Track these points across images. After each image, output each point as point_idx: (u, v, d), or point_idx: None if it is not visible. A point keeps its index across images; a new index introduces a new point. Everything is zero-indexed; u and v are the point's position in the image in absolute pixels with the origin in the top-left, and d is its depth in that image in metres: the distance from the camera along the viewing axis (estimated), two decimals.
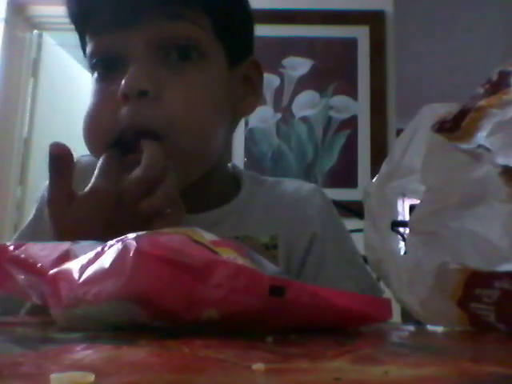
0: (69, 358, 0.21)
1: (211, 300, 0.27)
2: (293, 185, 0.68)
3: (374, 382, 0.17)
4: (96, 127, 0.52)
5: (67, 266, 0.31)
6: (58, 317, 0.31)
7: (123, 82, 0.49)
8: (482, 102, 0.36)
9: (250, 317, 0.28)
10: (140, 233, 0.30)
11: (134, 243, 0.27)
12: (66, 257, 0.34)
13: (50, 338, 0.27)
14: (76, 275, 0.29)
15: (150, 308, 0.27)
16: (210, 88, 0.53)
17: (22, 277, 0.35)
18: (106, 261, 0.28)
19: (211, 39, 0.54)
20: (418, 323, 0.41)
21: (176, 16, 0.51)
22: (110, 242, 0.30)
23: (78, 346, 0.23)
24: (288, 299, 0.28)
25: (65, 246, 0.36)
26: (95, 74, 0.55)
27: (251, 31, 0.63)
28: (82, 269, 0.29)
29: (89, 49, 0.54)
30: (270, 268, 0.32)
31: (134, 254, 0.27)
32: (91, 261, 0.29)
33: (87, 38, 0.54)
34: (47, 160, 0.47)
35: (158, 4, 0.51)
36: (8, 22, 2.42)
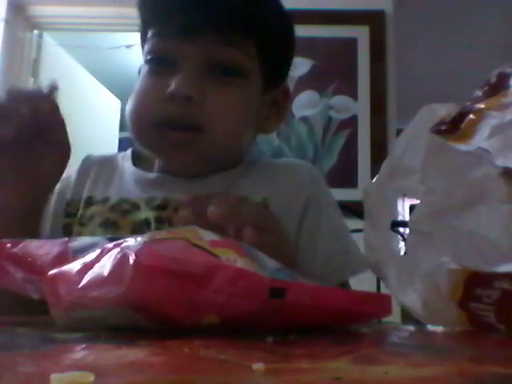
0: (69, 358, 0.21)
1: (211, 305, 0.27)
2: (286, 159, 0.78)
3: (374, 382, 0.17)
4: (143, 115, 0.61)
5: (67, 267, 0.31)
6: (57, 317, 0.31)
7: (173, 84, 0.58)
8: (481, 104, 0.36)
9: (250, 320, 0.28)
10: (139, 239, 0.30)
11: (132, 254, 0.27)
12: (64, 255, 0.34)
13: (50, 338, 0.27)
14: (75, 278, 0.29)
15: (150, 315, 0.27)
16: (244, 103, 0.62)
17: (21, 274, 0.35)
18: (104, 267, 0.28)
19: (254, 66, 0.63)
20: (418, 323, 0.41)
21: (229, 43, 0.60)
22: (109, 246, 0.30)
23: (78, 345, 0.23)
24: (288, 300, 0.28)
25: (63, 243, 0.36)
26: (146, 67, 0.63)
27: (290, 64, 0.72)
28: (82, 272, 0.29)
29: (149, 46, 0.62)
30: (270, 264, 0.32)
31: (132, 266, 0.26)
32: (90, 265, 0.29)
33: (150, 36, 0.62)
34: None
35: (218, 28, 0.59)
36: (8, 22, 2.42)
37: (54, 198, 0.68)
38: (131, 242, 0.30)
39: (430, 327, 0.39)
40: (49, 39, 2.66)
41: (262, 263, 0.31)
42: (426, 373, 0.19)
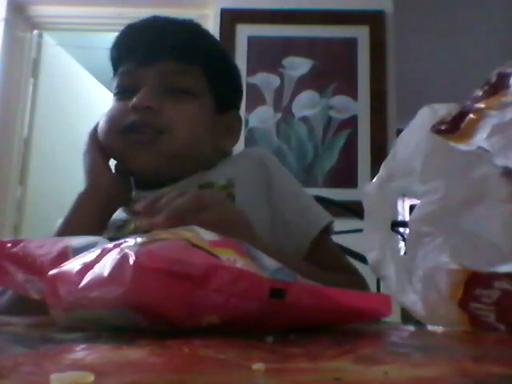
0: (69, 358, 0.21)
1: (211, 306, 0.27)
2: (246, 149, 0.90)
3: (374, 382, 0.17)
4: (110, 126, 0.71)
5: (67, 267, 0.31)
6: (57, 317, 0.31)
7: (135, 98, 0.69)
8: (481, 104, 0.36)
9: (250, 320, 0.28)
10: (139, 240, 0.30)
11: (132, 255, 0.27)
12: (64, 255, 0.34)
13: (50, 338, 0.27)
14: (75, 278, 0.29)
15: (150, 316, 0.27)
16: (196, 113, 0.73)
17: (21, 274, 0.35)
18: (104, 268, 0.28)
19: (204, 89, 0.75)
20: (418, 323, 0.41)
21: (182, 71, 0.73)
22: (109, 246, 0.30)
23: (78, 345, 0.23)
24: (289, 301, 0.27)
25: (63, 243, 0.36)
26: (115, 97, 0.74)
27: (237, 92, 0.83)
28: (82, 272, 0.29)
29: (116, 81, 0.75)
30: (269, 264, 0.32)
31: (132, 267, 0.26)
32: (90, 265, 0.29)
33: (117, 74, 0.75)
34: None
35: (172, 59, 0.72)
36: (8, 22, 2.42)
37: None
38: (131, 242, 0.30)
39: (430, 327, 0.39)
40: (49, 39, 2.66)
41: (262, 263, 0.31)
42: (426, 373, 0.19)
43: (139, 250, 0.28)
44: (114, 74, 0.77)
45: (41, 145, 2.58)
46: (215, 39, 0.84)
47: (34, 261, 0.35)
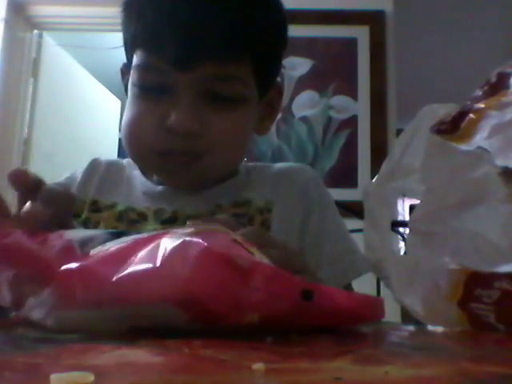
0: (69, 358, 0.21)
1: (253, 303, 0.26)
2: (286, 164, 0.76)
3: (374, 382, 0.17)
4: (142, 141, 0.59)
5: (88, 261, 0.29)
6: (66, 318, 0.29)
7: (173, 119, 0.56)
8: (481, 104, 0.36)
9: (284, 321, 0.27)
10: (182, 231, 0.29)
11: (199, 242, 0.26)
12: (69, 248, 0.32)
13: (50, 338, 0.27)
14: (106, 273, 0.27)
15: (195, 311, 0.26)
16: (244, 125, 0.62)
17: (7, 270, 0.32)
18: (152, 259, 0.26)
19: (252, 88, 0.61)
20: (418, 323, 0.41)
21: (228, 76, 0.57)
22: (142, 236, 0.29)
23: (78, 345, 0.23)
24: (316, 302, 0.27)
25: (62, 236, 0.34)
26: (137, 90, 0.59)
27: (280, 63, 0.67)
28: (114, 266, 0.27)
29: (138, 76, 0.59)
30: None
31: (198, 254, 0.26)
32: (123, 258, 0.28)
33: (139, 59, 0.58)
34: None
35: (214, 61, 0.56)
36: (8, 22, 2.42)
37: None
38: (179, 232, 0.28)
39: (430, 327, 0.39)
40: (49, 39, 2.66)
41: None
42: (426, 373, 0.19)
43: (201, 238, 0.27)
44: (129, 45, 0.60)
45: (41, 145, 2.58)
46: (273, 7, 0.62)
47: (33, 254, 0.32)
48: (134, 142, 0.60)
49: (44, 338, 0.27)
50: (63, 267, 0.29)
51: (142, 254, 0.28)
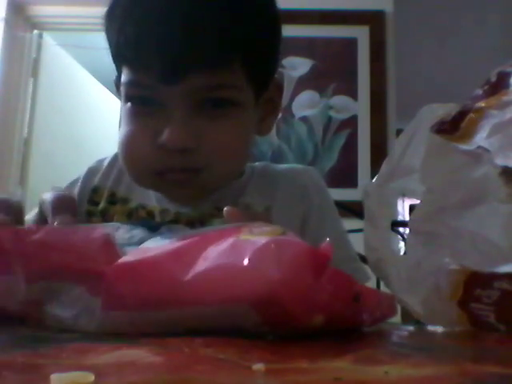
0: (69, 358, 0.21)
1: (319, 304, 0.25)
2: (287, 166, 0.74)
3: (374, 382, 0.17)
4: (136, 161, 0.57)
5: (146, 258, 0.27)
6: (107, 320, 0.27)
7: (166, 135, 0.53)
8: (481, 103, 0.36)
9: (338, 323, 0.27)
10: (260, 229, 0.28)
11: (293, 241, 0.26)
12: (109, 243, 0.30)
13: (49, 338, 0.27)
14: (172, 272, 0.26)
15: (272, 311, 0.25)
16: (243, 131, 0.59)
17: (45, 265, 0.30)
18: (231, 257, 0.25)
19: (246, 93, 0.58)
20: (418, 323, 0.41)
21: (219, 85, 0.55)
22: (211, 233, 0.28)
23: (78, 345, 0.23)
24: (361, 304, 0.27)
25: (97, 230, 0.32)
26: (129, 105, 0.57)
27: (278, 62, 0.65)
28: (180, 265, 0.26)
29: (126, 90, 0.57)
30: None
31: (296, 252, 0.25)
32: (187, 256, 0.26)
33: (126, 76, 0.56)
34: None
35: (203, 70, 0.53)
36: (8, 22, 2.42)
37: (78, 186, 0.69)
38: (251, 231, 0.27)
39: (430, 327, 0.39)
40: (49, 39, 2.66)
41: None
42: (426, 373, 0.19)
43: (287, 237, 0.26)
44: (118, 67, 0.59)
45: (41, 145, 2.58)
46: (259, 6, 0.58)
47: (67, 250, 0.30)
48: (130, 163, 0.58)
49: (44, 338, 0.27)
50: (114, 264, 0.27)
51: (215, 251, 0.26)
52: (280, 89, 0.67)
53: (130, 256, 0.28)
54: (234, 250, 0.26)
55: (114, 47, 0.57)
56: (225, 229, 0.29)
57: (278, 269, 0.24)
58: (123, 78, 0.57)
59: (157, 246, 0.29)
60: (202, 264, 0.26)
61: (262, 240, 0.26)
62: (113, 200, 0.66)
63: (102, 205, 0.66)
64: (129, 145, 0.57)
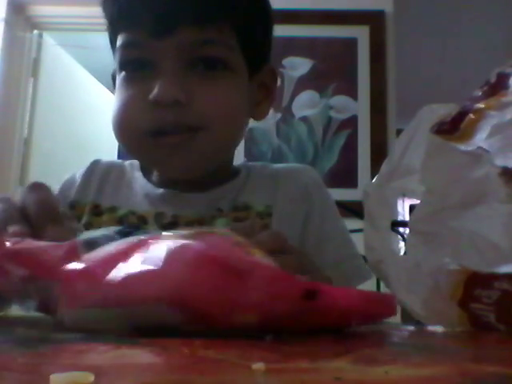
0: (69, 357, 0.21)
1: (250, 304, 0.26)
2: (285, 165, 0.74)
3: (374, 382, 0.17)
4: (131, 126, 0.57)
5: (90, 261, 0.29)
6: (68, 317, 0.29)
7: (156, 89, 0.54)
8: (481, 104, 0.37)
9: (287, 321, 0.27)
10: (184, 232, 0.29)
11: (193, 244, 0.27)
12: (73, 251, 0.32)
13: (49, 338, 0.27)
14: (106, 273, 0.28)
15: (191, 313, 0.26)
16: (234, 96, 0.59)
17: (21, 273, 0.33)
18: (152, 260, 0.27)
19: (237, 56, 0.59)
20: (418, 323, 0.41)
21: (208, 40, 0.56)
22: (141, 238, 0.29)
23: (77, 345, 0.23)
24: (319, 302, 0.27)
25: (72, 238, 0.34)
26: (122, 74, 0.58)
27: (270, 43, 0.67)
28: (109, 267, 0.28)
29: (120, 54, 0.58)
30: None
31: (194, 257, 0.26)
32: (124, 258, 0.28)
33: (120, 42, 0.58)
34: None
35: (195, 24, 0.55)
36: (8, 22, 2.42)
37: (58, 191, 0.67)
38: (178, 234, 0.29)
39: (430, 327, 0.39)
40: (49, 39, 2.66)
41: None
42: (426, 373, 0.19)
43: (198, 240, 0.27)
44: (112, 40, 0.61)
45: (41, 145, 2.58)
46: None
47: (39, 258, 0.33)
48: (123, 127, 0.58)
49: (44, 338, 0.27)
50: (66, 268, 0.30)
51: (141, 254, 0.28)
52: (274, 75, 0.68)
53: (82, 261, 0.31)
54: (153, 254, 0.28)
55: (109, 16, 0.60)
56: (156, 235, 0.30)
57: (181, 271, 0.26)
58: (118, 44, 0.58)
59: (104, 249, 0.31)
60: (127, 267, 0.28)
61: (176, 244, 0.27)
62: (98, 212, 0.65)
63: (84, 218, 0.64)
64: (121, 109, 0.57)
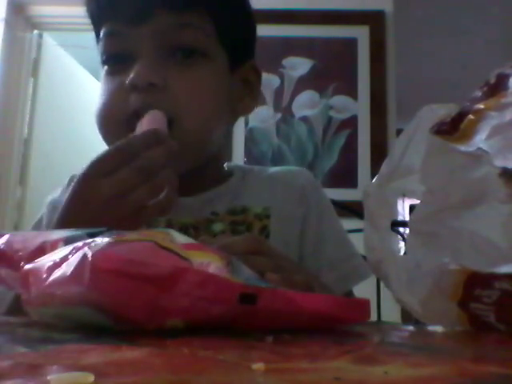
0: (69, 358, 0.21)
1: (176, 309, 0.26)
2: (281, 168, 0.74)
3: (374, 382, 0.17)
4: (108, 113, 0.58)
5: (40, 262, 0.30)
6: (31, 313, 0.30)
7: (132, 73, 0.55)
8: (480, 105, 0.36)
9: (218, 324, 0.28)
10: (106, 239, 0.29)
11: (89, 255, 0.26)
12: (41, 249, 0.33)
13: (50, 338, 0.27)
14: (45, 275, 0.28)
15: (113, 316, 0.27)
16: (211, 84, 0.59)
17: (3, 270, 0.34)
18: (69, 266, 0.27)
19: (215, 44, 0.59)
20: (418, 323, 0.41)
21: (185, 24, 0.57)
22: (79, 244, 0.30)
23: (77, 345, 0.23)
24: (260, 306, 0.27)
25: (42, 237, 0.35)
26: (105, 68, 0.60)
27: (253, 38, 0.67)
28: (51, 269, 0.28)
29: (102, 46, 0.60)
30: (247, 273, 0.31)
31: (89, 267, 0.26)
32: (60, 262, 0.29)
33: (101, 36, 0.59)
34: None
35: (171, 9, 0.56)
36: (8, 22, 2.42)
37: (47, 209, 0.68)
38: (98, 241, 0.29)
39: (430, 327, 0.39)
40: (49, 39, 2.66)
41: (239, 270, 0.31)
42: (426, 373, 0.19)
43: (99, 250, 0.27)
44: (97, 36, 0.62)
45: (41, 145, 2.58)
46: None
47: (13, 255, 0.34)
48: (101, 117, 0.58)
49: (44, 338, 0.27)
50: (25, 266, 0.31)
51: (69, 260, 0.28)
52: (257, 72, 0.68)
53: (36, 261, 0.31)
54: (72, 260, 0.28)
55: (90, 14, 0.62)
56: (86, 241, 0.31)
57: (85, 280, 0.26)
58: (101, 36, 0.59)
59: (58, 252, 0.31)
60: (59, 270, 0.28)
61: (82, 253, 0.28)
62: None
63: None
64: (101, 100, 0.59)
